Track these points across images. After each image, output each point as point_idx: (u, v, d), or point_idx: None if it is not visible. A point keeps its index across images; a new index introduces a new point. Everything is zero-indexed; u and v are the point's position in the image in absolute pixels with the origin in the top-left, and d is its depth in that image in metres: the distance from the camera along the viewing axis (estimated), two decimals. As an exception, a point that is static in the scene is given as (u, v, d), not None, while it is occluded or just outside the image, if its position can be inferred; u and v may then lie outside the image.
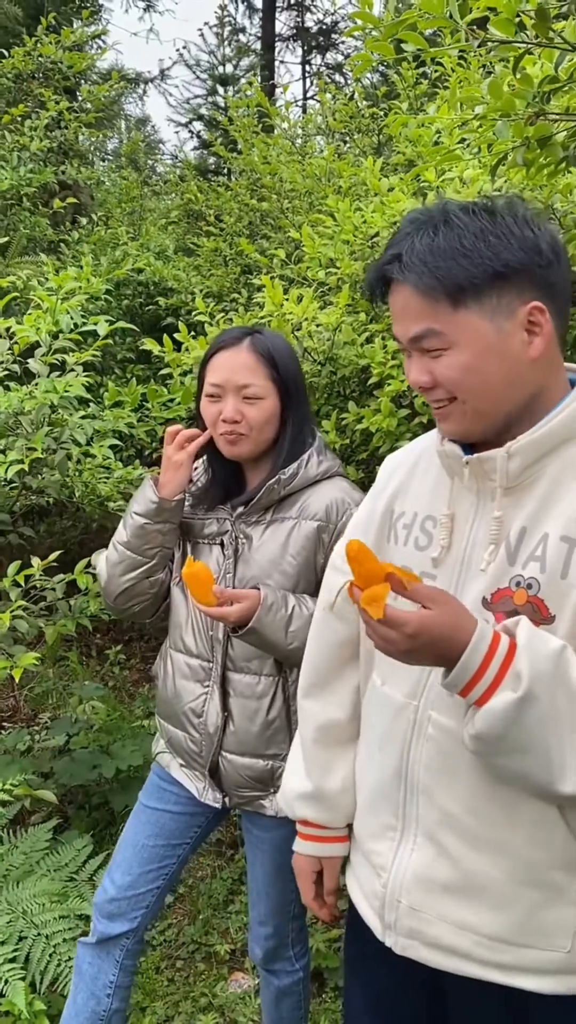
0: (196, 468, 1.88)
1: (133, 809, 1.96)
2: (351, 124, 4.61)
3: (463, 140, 2.75)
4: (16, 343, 2.52)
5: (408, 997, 1.34)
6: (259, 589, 1.66)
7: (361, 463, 2.82)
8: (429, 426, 2.46)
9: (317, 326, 2.74)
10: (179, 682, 1.81)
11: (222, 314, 3.24)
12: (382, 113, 4.39)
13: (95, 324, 2.46)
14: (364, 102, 4.73)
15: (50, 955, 2.19)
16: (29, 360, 2.47)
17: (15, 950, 2.16)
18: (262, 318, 2.66)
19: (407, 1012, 1.35)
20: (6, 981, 2.06)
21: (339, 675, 1.44)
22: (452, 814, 1.18)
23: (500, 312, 1.11)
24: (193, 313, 3.23)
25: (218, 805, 1.81)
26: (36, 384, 2.37)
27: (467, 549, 1.20)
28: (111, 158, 9.17)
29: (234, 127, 5.36)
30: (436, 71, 4.07)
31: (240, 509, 1.78)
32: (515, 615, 1.11)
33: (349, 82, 12.23)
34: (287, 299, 2.63)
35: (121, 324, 2.66)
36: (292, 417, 1.76)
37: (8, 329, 2.59)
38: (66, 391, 2.29)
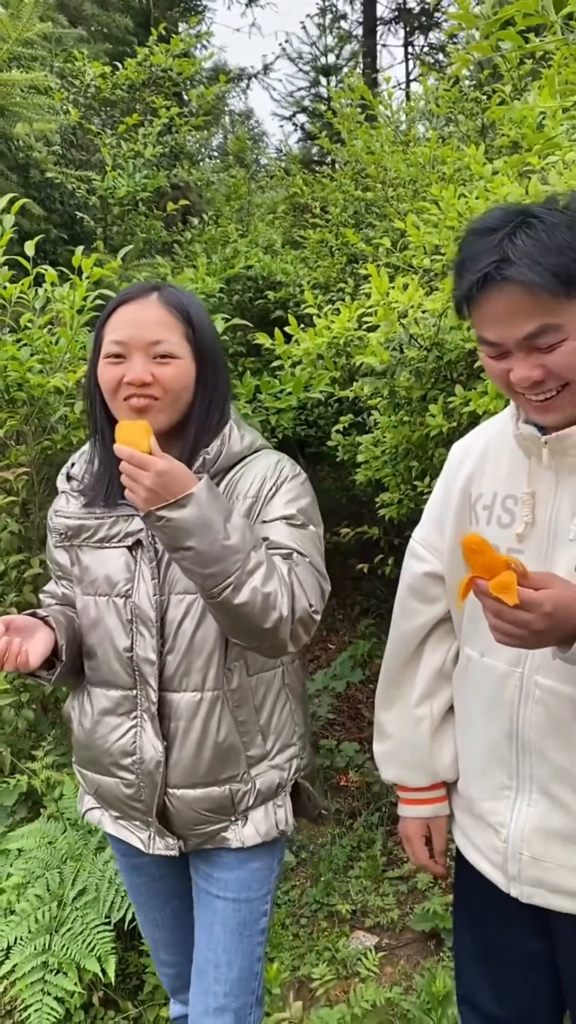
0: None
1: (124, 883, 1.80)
2: (454, 108, 4.63)
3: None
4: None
5: (520, 943, 1.45)
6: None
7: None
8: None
9: (423, 312, 2.82)
10: (100, 719, 1.52)
11: (329, 305, 3.36)
12: (485, 97, 4.40)
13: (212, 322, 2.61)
14: (467, 83, 4.73)
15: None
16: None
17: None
18: (369, 307, 2.77)
19: (516, 956, 1.46)
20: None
21: (414, 665, 1.54)
22: (563, 768, 1.29)
23: None
24: (302, 306, 3.36)
25: (173, 852, 1.52)
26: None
27: (552, 522, 1.28)
28: (216, 155, 9.40)
29: (337, 119, 5.45)
30: (540, 51, 4.04)
31: None
32: None
33: (453, 62, 12.04)
34: (392, 287, 2.72)
35: (236, 321, 2.80)
36: (208, 385, 1.47)
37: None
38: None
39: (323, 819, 1.77)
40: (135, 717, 1.49)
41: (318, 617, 1.41)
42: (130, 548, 1.47)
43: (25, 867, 2.28)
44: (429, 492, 2.80)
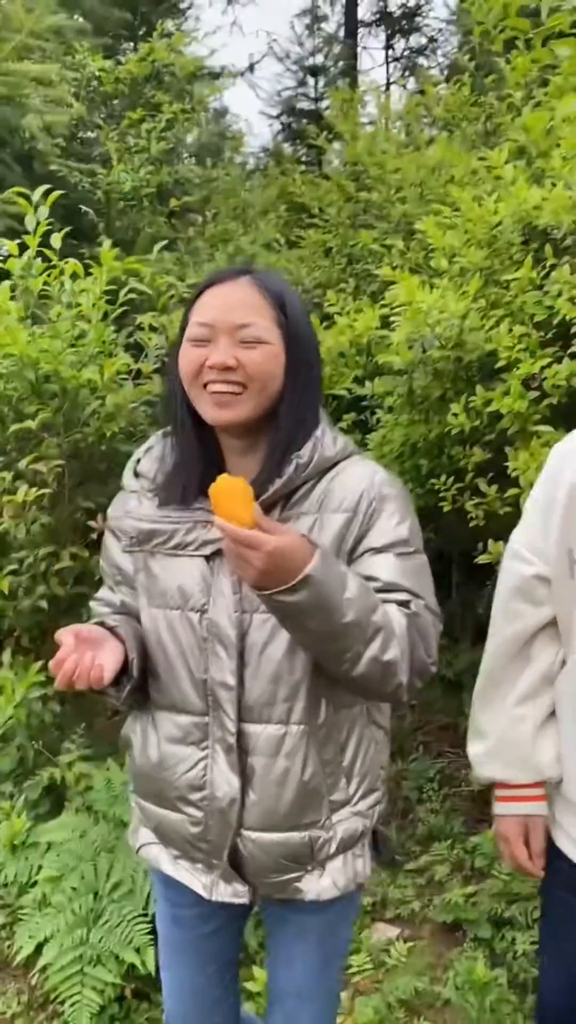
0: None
1: (159, 934, 1.60)
2: (459, 113, 4.68)
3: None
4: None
5: None
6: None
7: (487, 444, 2.93)
8: (558, 407, 2.56)
9: (440, 313, 2.86)
10: (166, 749, 1.38)
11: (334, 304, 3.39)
12: (492, 102, 4.45)
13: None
14: (466, 89, 4.79)
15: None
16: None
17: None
18: (396, 306, 2.80)
19: None
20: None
21: (517, 667, 1.51)
22: None
23: None
24: (325, 305, 3.38)
25: (243, 901, 1.39)
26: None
27: None
28: (187, 154, 9.39)
29: (336, 117, 5.50)
30: (548, 56, 4.11)
31: None
32: None
33: (433, 65, 12.16)
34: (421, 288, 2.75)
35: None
36: (299, 377, 1.33)
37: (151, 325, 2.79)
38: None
39: (397, 865, 1.68)
40: (205, 747, 1.35)
41: (435, 669, 1.34)
42: (207, 558, 1.34)
43: (58, 860, 2.28)
44: (447, 490, 2.86)
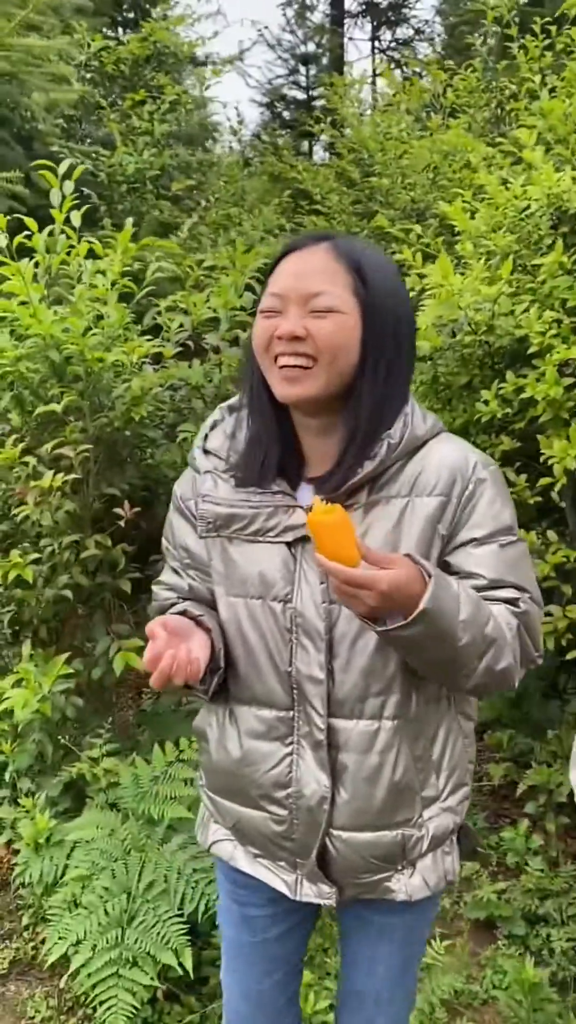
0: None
1: (222, 933, 1.56)
2: (470, 99, 4.63)
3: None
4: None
5: None
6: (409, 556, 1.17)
7: (515, 432, 2.88)
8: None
9: (472, 296, 2.80)
10: (248, 744, 1.31)
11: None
12: (504, 86, 4.40)
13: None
14: (479, 74, 4.73)
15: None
16: (206, 335, 2.58)
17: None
18: (427, 289, 2.73)
19: None
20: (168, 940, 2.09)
21: None
22: None
23: None
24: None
25: (329, 902, 1.32)
26: (219, 357, 2.47)
27: None
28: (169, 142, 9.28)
29: (338, 105, 5.43)
30: (562, 42, 4.07)
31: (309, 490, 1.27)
32: None
33: (421, 55, 12.11)
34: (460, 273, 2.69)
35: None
36: (379, 349, 1.22)
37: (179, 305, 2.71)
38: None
39: (479, 856, 1.60)
40: (291, 743, 1.28)
41: (541, 660, 1.30)
42: (289, 544, 1.26)
43: (87, 859, 2.19)
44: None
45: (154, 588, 1.46)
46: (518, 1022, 2.06)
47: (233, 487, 1.30)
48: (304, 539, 1.24)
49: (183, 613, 1.28)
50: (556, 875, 2.56)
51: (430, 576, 1.12)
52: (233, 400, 1.40)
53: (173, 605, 1.37)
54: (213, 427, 1.39)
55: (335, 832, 1.28)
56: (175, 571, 1.42)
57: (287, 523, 1.26)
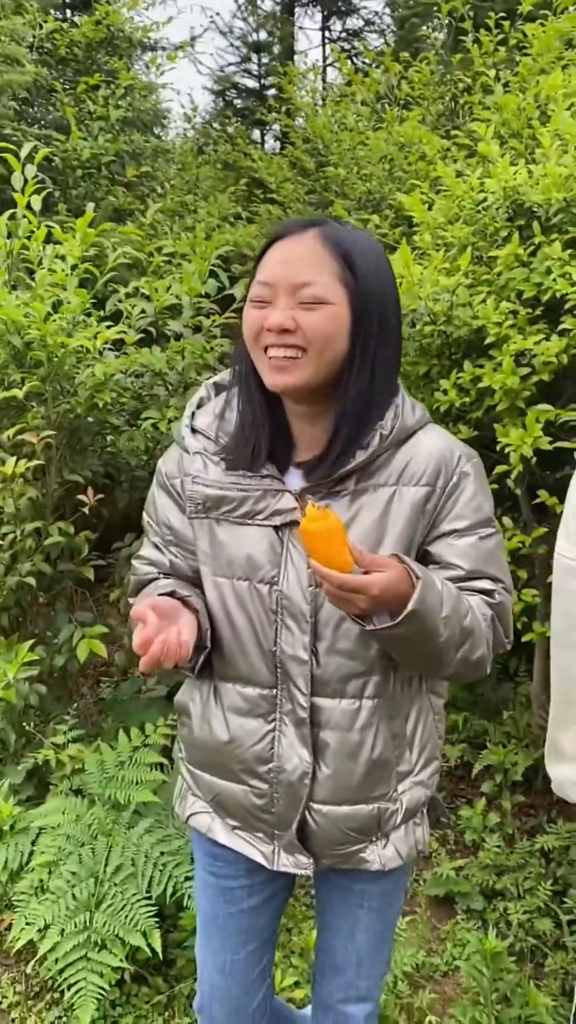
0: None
1: (197, 906, 1.57)
2: (425, 91, 4.67)
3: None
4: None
5: None
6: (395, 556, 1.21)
7: (473, 421, 2.94)
8: (545, 385, 2.57)
9: (432, 286, 2.85)
10: (232, 720, 1.34)
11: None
12: (459, 80, 4.45)
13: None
14: (434, 67, 4.78)
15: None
16: (169, 322, 2.58)
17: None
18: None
19: None
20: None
21: None
22: None
23: None
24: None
25: (306, 872, 1.36)
26: (182, 344, 2.47)
27: None
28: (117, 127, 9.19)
29: (293, 94, 5.43)
30: (515, 37, 4.13)
31: (298, 474, 1.30)
32: None
33: (372, 47, 12.14)
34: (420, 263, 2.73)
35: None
36: (367, 339, 1.23)
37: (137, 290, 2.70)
38: (212, 349, 2.40)
39: (442, 826, 1.66)
40: (273, 720, 1.31)
41: (510, 645, 1.36)
42: (276, 528, 1.28)
43: (54, 844, 2.20)
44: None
45: (134, 562, 1.47)
46: (479, 991, 2.12)
47: (223, 469, 1.31)
48: (292, 523, 1.26)
49: (171, 594, 1.29)
50: (512, 851, 2.64)
51: (418, 578, 1.16)
52: (219, 377, 1.41)
53: (153, 580, 1.39)
54: (200, 405, 1.40)
55: (315, 806, 1.32)
56: (156, 547, 1.43)
57: (276, 507, 1.28)
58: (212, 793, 1.41)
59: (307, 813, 1.33)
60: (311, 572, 1.24)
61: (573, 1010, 1.60)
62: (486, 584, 1.31)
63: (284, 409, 1.32)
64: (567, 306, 2.46)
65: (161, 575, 1.41)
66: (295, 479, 1.30)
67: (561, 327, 2.49)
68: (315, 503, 1.14)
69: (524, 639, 2.51)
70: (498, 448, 2.58)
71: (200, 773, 1.43)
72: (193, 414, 1.38)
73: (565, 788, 1.52)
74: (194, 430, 1.36)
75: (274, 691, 1.31)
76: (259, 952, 1.52)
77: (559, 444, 2.34)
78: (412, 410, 1.31)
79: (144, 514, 1.46)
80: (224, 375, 1.41)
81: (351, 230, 1.29)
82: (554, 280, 2.45)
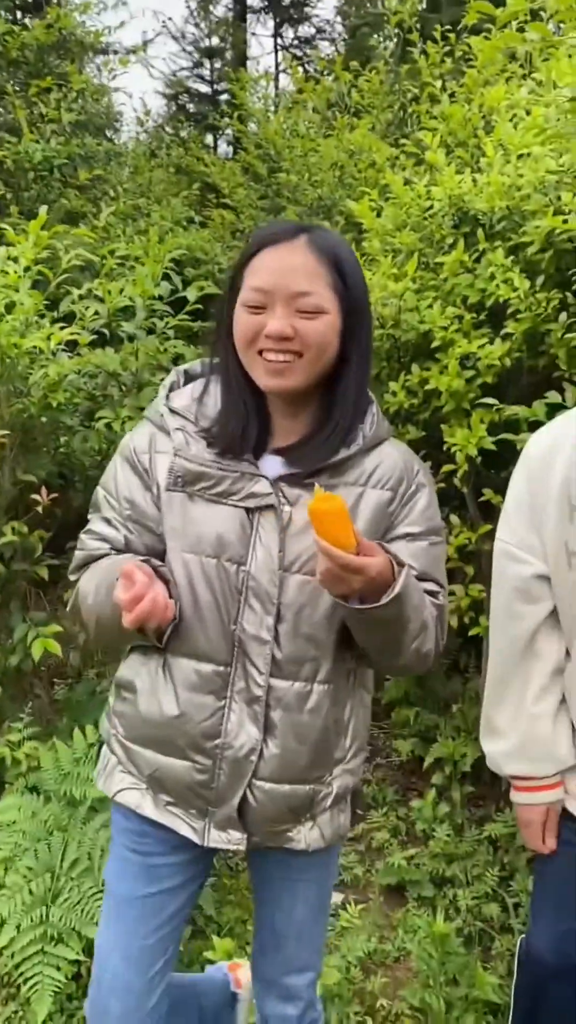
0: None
1: (108, 890, 1.53)
2: (374, 100, 4.76)
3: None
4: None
5: None
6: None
7: (420, 422, 3.01)
8: (489, 387, 2.65)
9: (381, 292, 2.92)
10: (183, 695, 1.35)
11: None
12: (411, 90, 4.55)
13: (199, 290, 2.58)
14: (383, 76, 4.87)
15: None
16: (124, 323, 2.61)
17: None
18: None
19: None
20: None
21: (525, 664, 1.56)
22: None
23: None
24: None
25: (239, 847, 1.39)
26: (136, 345, 2.51)
27: None
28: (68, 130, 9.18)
29: (246, 100, 5.49)
30: (461, 49, 4.24)
31: (279, 465, 1.36)
32: None
33: (324, 55, 12.28)
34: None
35: (214, 290, 2.80)
36: (359, 345, 1.33)
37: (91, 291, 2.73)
38: (166, 351, 2.44)
39: (358, 819, 1.73)
40: (224, 698, 1.34)
41: (442, 648, 1.44)
42: (248, 510, 1.32)
43: (10, 840, 2.21)
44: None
45: (82, 536, 1.48)
46: (430, 973, 2.18)
47: (205, 447, 1.35)
48: (265, 507, 1.32)
49: (146, 563, 1.32)
50: (461, 840, 2.71)
51: (401, 565, 1.25)
52: (189, 366, 1.47)
53: (104, 556, 1.42)
54: (172, 388, 1.44)
55: (257, 782, 1.36)
56: (109, 522, 1.44)
57: (251, 490, 1.32)
58: (151, 768, 1.41)
59: (249, 789, 1.36)
60: (281, 556, 1.31)
61: (513, 984, 1.67)
62: (432, 587, 1.40)
63: (266, 401, 1.38)
64: (509, 311, 2.55)
65: (113, 551, 1.42)
66: (271, 465, 1.36)
67: (504, 331, 2.57)
68: (321, 487, 1.21)
69: (471, 633, 2.59)
70: (445, 448, 2.66)
71: (138, 749, 1.43)
72: (168, 396, 1.42)
73: (498, 761, 1.61)
74: (172, 410, 1.40)
75: (228, 669, 1.34)
76: (166, 942, 1.49)
77: (503, 436, 2.42)
78: (382, 420, 1.41)
79: (100, 489, 1.47)
80: (195, 364, 1.47)
81: (333, 235, 1.35)
82: (497, 286, 2.53)
